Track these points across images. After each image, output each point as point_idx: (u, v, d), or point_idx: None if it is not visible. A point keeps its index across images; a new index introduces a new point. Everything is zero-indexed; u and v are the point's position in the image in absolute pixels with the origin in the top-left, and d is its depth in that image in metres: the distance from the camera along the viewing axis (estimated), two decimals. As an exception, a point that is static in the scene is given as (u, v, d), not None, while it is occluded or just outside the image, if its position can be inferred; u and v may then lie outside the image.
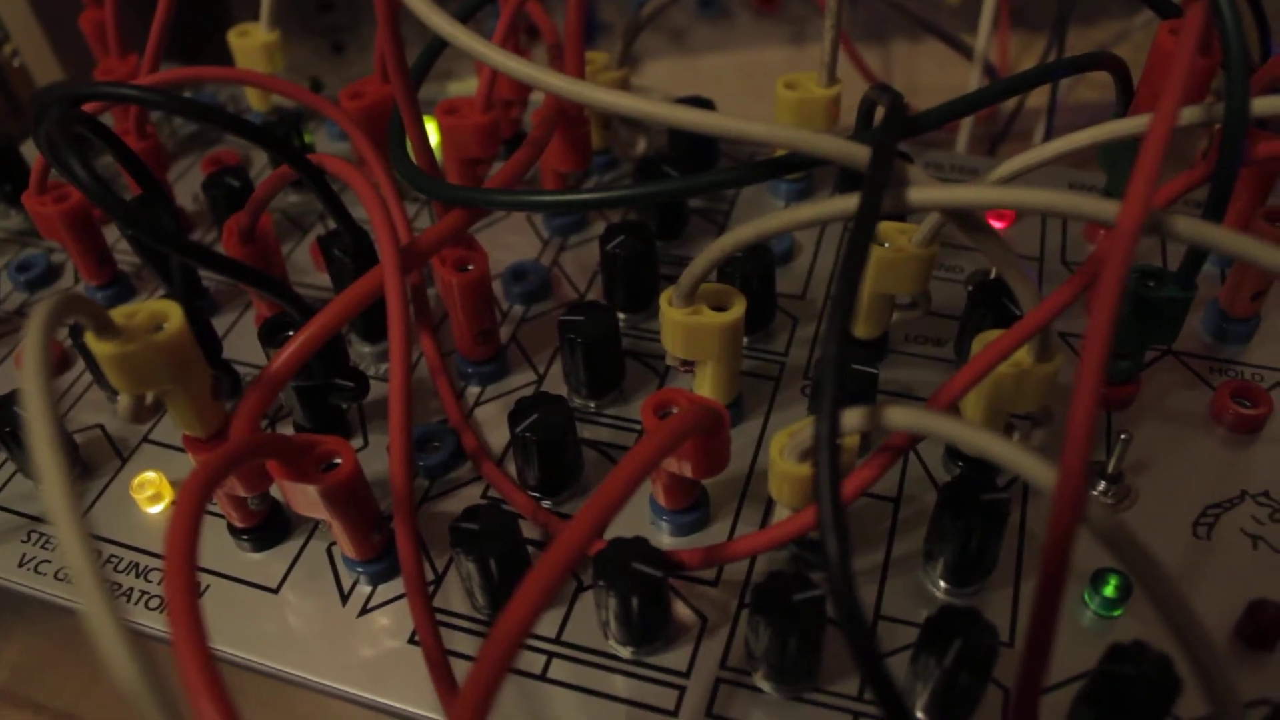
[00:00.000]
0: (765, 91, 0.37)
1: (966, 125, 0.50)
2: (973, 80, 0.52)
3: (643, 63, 0.65)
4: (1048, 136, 0.53)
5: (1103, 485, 0.31)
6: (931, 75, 0.61)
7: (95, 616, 0.16)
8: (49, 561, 0.32)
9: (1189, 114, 0.29)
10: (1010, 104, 0.56)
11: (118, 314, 0.24)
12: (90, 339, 0.24)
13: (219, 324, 0.39)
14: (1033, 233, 0.40)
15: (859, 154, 0.25)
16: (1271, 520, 0.30)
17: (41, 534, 0.32)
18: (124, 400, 0.26)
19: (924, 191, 0.25)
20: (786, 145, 0.26)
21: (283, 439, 0.27)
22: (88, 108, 0.32)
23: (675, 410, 0.28)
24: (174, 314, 0.25)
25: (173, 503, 0.33)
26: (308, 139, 0.46)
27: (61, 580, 0.31)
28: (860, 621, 0.20)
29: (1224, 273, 0.38)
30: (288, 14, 0.49)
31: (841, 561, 0.20)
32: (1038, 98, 0.55)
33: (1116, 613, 0.28)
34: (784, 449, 0.26)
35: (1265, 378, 0.34)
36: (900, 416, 0.23)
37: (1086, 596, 0.28)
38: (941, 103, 0.29)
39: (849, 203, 0.25)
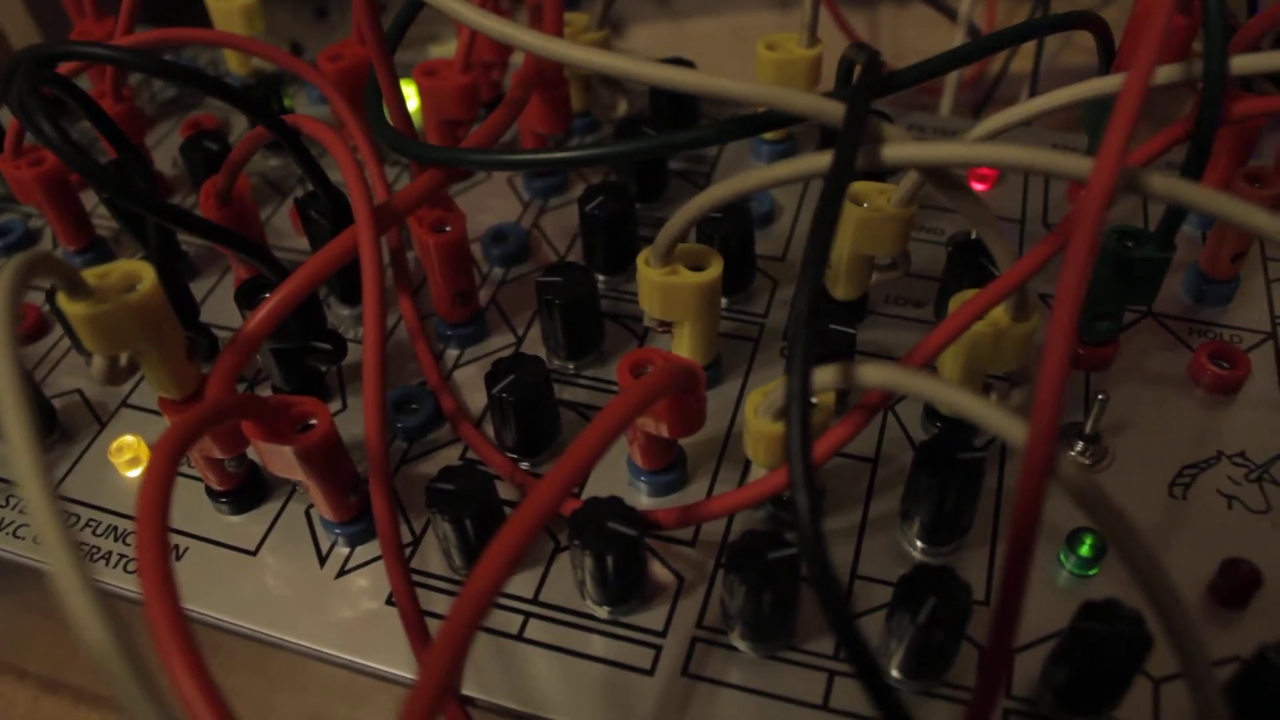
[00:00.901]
0: (751, 56, 0.37)
1: (950, 88, 0.50)
2: (958, 43, 0.51)
3: (629, 27, 0.65)
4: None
5: (1080, 445, 0.31)
6: (918, 40, 0.61)
7: (62, 576, 0.16)
8: (27, 525, 0.32)
9: (1168, 72, 0.29)
10: (995, 68, 0.55)
11: (90, 274, 0.24)
12: (62, 299, 0.24)
13: (198, 289, 0.39)
14: (1014, 195, 0.40)
15: (833, 110, 0.25)
16: (1247, 480, 0.30)
17: (18, 498, 0.32)
18: (98, 362, 0.25)
19: (899, 148, 0.25)
20: (761, 101, 0.26)
21: (258, 399, 0.26)
22: (62, 69, 0.32)
23: (651, 369, 0.28)
24: (146, 274, 0.25)
25: (146, 463, 0.33)
26: (287, 103, 0.46)
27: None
28: (831, 578, 0.20)
29: (1204, 234, 0.38)
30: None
31: (811, 517, 0.20)
32: (1022, 62, 0.54)
33: (1092, 572, 0.28)
34: (758, 408, 0.26)
35: (1244, 339, 0.34)
36: (873, 374, 0.23)
37: (1062, 556, 0.29)
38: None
39: (825, 159, 0.25)
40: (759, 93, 0.26)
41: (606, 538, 0.26)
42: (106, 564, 0.31)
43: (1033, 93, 0.52)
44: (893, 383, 0.23)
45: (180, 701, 0.17)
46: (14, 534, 0.32)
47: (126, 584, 0.30)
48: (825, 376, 0.24)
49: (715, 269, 0.29)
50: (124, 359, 0.26)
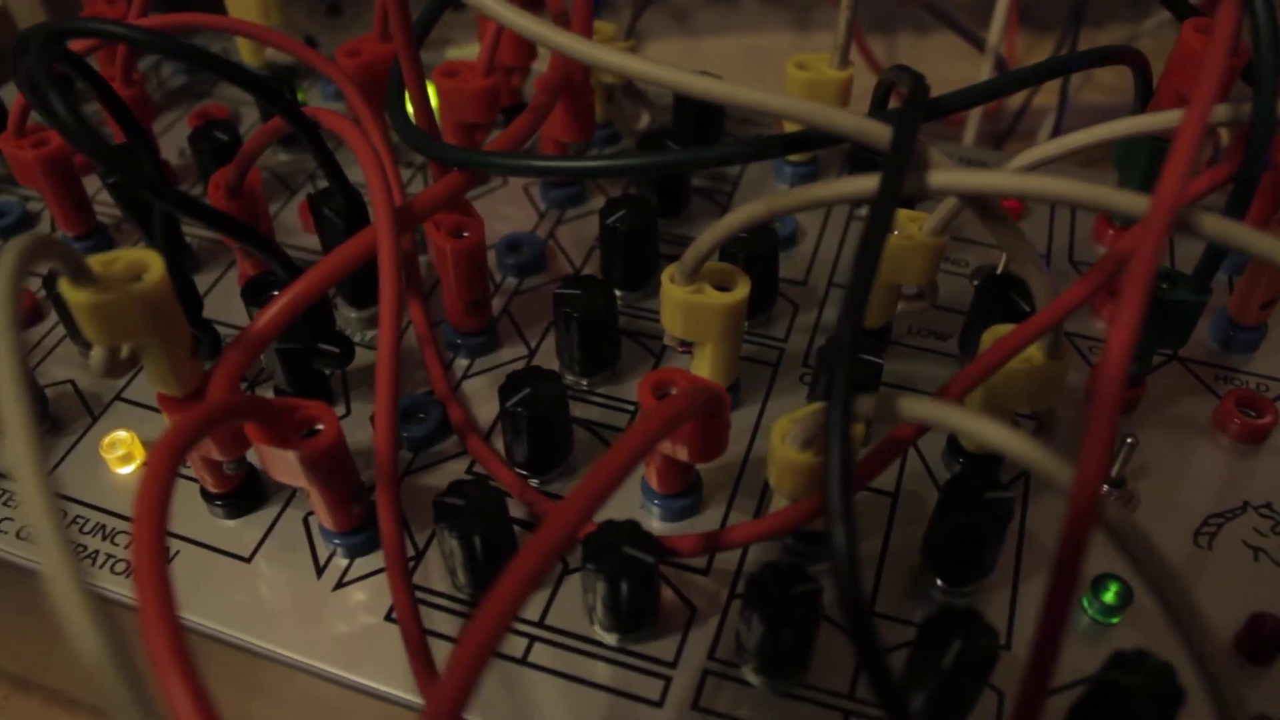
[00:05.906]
0: (768, 77, 0.36)
1: (974, 119, 0.50)
2: (982, 74, 0.51)
3: (645, 43, 0.64)
4: (1055, 134, 0.52)
5: (1105, 489, 0.30)
6: (939, 68, 0.60)
7: (57, 580, 0.15)
8: (11, 519, 0.30)
9: (1216, 113, 0.28)
10: (1016, 101, 0.55)
11: (95, 261, 0.23)
12: (64, 286, 0.23)
13: (201, 282, 0.38)
14: (1040, 230, 0.40)
15: (879, 133, 0.24)
16: (1274, 532, 0.30)
17: (2, 490, 0.31)
18: (97, 353, 0.24)
19: (944, 175, 0.24)
20: (803, 119, 0.25)
21: (263, 401, 0.25)
22: (74, 46, 0.31)
23: (674, 390, 0.27)
24: (154, 263, 0.24)
25: (144, 464, 0.32)
26: (300, 97, 0.45)
27: (24, 540, 0.30)
28: (866, 616, 0.19)
29: (1232, 280, 0.37)
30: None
31: (849, 553, 0.19)
32: (1045, 96, 0.54)
33: (1115, 620, 0.28)
34: (786, 435, 0.25)
35: (1271, 388, 0.34)
36: (915, 408, 0.23)
37: (1086, 602, 0.28)
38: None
39: (867, 183, 0.24)
40: (803, 110, 0.25)
41: (622, 563, 0.25)
42: (93, 564, 0.29)
43: (1057, 126, 0.51)
44: (937, 418, 0.22)
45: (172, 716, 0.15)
46: (-3, 527, 0.30)
47: (113, 585, 0.29)
48: (865, 407, 0.23)
49: (743, 290, 0.28)
50: (125, 351, 0.25)
